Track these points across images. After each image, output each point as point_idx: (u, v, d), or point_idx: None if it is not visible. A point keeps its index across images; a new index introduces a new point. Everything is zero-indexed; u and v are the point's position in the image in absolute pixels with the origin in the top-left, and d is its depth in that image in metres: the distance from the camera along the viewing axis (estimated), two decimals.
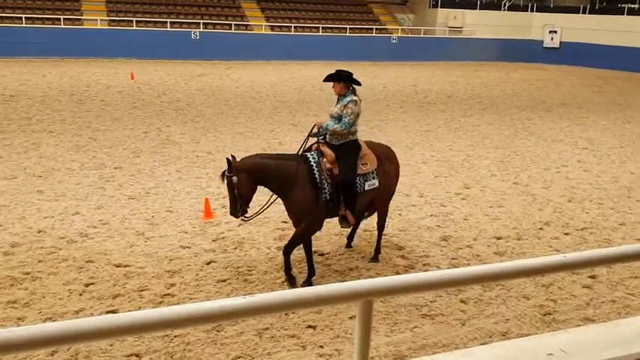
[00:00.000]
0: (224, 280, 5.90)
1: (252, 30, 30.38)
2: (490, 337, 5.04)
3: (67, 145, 11.14)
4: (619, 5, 33.91)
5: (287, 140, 12.07)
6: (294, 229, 5.92)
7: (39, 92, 17.03)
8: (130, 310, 5.18)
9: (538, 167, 10.95)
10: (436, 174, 10.25)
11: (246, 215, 5.73)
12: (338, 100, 5.95)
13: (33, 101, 15.57)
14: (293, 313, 5.20)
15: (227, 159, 5.62)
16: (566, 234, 7.60)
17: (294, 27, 31.15)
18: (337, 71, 5.95)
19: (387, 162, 6.26)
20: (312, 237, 5.97)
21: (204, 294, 5.62)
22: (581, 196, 9.22)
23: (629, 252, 2.76)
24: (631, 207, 8.77)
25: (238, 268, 6.21)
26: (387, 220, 6.76)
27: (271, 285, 5.85)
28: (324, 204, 5.70)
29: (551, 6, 35.87)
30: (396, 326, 5.15)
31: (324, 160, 5.72)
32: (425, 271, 6.30)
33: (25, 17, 26.12)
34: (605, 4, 34.55)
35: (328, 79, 5.91)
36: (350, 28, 31.89)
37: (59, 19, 26.69)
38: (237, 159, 5.68)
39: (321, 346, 4.80)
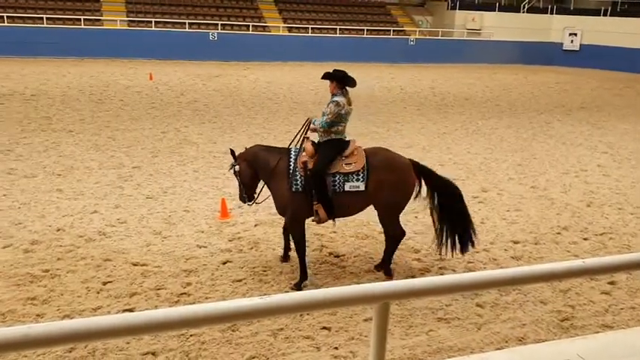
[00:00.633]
0: (240, 280, 5.93)
1: (269, 31, 30.48)
2: (506, 341, 5.00)
3: (86, 145, 11.27)
4: None
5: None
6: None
7: (59, 92, 17.26)
8: (146, 309, 5.24)
9: (556, 171, 10.84)
10: (453, 177, 10.12)
11: (251, 202, 6.22)
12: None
13: (53, 101, 15.78)
14: (308, 314, 5.20)
15: (230, 149, 6.32)
16: (584, 239, 7.51)
17: (312, 28, 31.20)
18: (334, 70, 6.03)
19: (385, 171, 5.85)
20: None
21: (220, 293, 5.65)
22: (600, 201, 9.11)
23: None
24: None
25: (254, 268, 6.23)
26: (405, 226, 6.30)
27: (286, 285, 5.87)
28: (302, 195, 5.80)
29: (572, 8, 35.48)
30: (411, 329, 5.12)
31: (303, 153, 5.90)
32: (441, 274, 6.28)
33: (47, 17, 26.48)
34: (626, 6, 34.09)
35: (325, 77, 6.04)
36: (367, 30, 31.85)
37: (79, 20, 27.02)
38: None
39: (336, 348, 4.79)
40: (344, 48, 29.88)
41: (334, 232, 7.24)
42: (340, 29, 31.50)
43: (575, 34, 33.54)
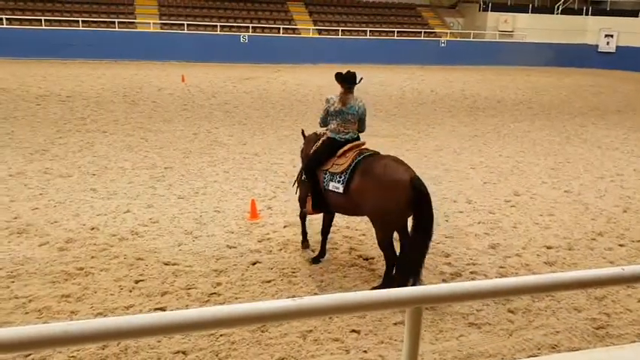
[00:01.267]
0: (269, 281, 5.95)
1: (299, 34, 30.61)
2: (539, 349, 4.90)
3: (119, 145, 11.47)
4: None
5: None
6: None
7: (93, 93, 17.62)
8: (177, 308, 5.30)
9: (591, 176, 10.60)
10: (485, 180, 10.06)
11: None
12: None
13: (88, 102, 16.12)
14: (337, 317, 5.19)
15: (301, 130, 7.27)
16: (620, 245, 7.33)
17: (342, 30, 31.20)
18: (347, 71, 6.34)
19: (371, 181, 5.52)
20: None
21: (250, 294, 5.68)
22: (637, 207, 8.87)
23: None
24: None
25: (283, 269, 6.24)
26: (435, 230, 5.57)
27: (315, 287, 5.87)
28: (307, 184, 6.25)
29: (608, 9, 34.71)
30: (441, 334, 5.07)
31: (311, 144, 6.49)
32: (472, 279, 6.20)
33: (82, 20, 27.08)
34: None
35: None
36: (398, 32, 31.72)
37: (114, 23, 27.56)
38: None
39: (365, 351, 4.77)
40: (374, 50, 29.83)
41: (363, 234, 7.21)
42: (371, 31, 31.44)
43: (611, 36, 32.79)
